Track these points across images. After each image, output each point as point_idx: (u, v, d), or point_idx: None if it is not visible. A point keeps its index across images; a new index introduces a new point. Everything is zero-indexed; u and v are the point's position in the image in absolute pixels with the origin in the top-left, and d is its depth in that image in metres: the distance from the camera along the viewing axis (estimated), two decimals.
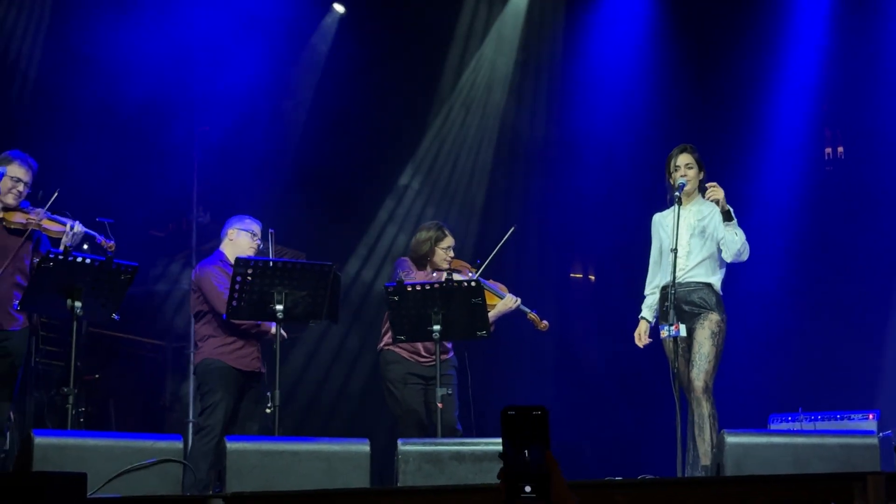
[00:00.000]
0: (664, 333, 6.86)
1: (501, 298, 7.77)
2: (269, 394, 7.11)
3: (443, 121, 10.61)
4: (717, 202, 6.93)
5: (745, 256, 7.05)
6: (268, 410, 7.06)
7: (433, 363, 7.35)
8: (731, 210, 6.94)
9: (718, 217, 7.08)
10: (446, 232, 7.87)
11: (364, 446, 6.16)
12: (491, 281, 7.88)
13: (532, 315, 7.88)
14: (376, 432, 8.94)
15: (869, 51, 10.09)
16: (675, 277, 6.92)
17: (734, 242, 6.95)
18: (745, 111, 10.36)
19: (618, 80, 10.59)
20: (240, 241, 7.65)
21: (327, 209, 10.18)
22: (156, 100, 9.56)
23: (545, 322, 7.92)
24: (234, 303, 7.02)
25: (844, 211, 10.21)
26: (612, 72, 10.61)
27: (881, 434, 8.38)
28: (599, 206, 10.30)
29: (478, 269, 7.77)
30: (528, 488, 2.55)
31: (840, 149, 10.57)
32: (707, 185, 6.99)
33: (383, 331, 7.77)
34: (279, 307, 6.97)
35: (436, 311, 7.07)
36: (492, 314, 7.66)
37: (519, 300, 7.80)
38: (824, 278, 10.20)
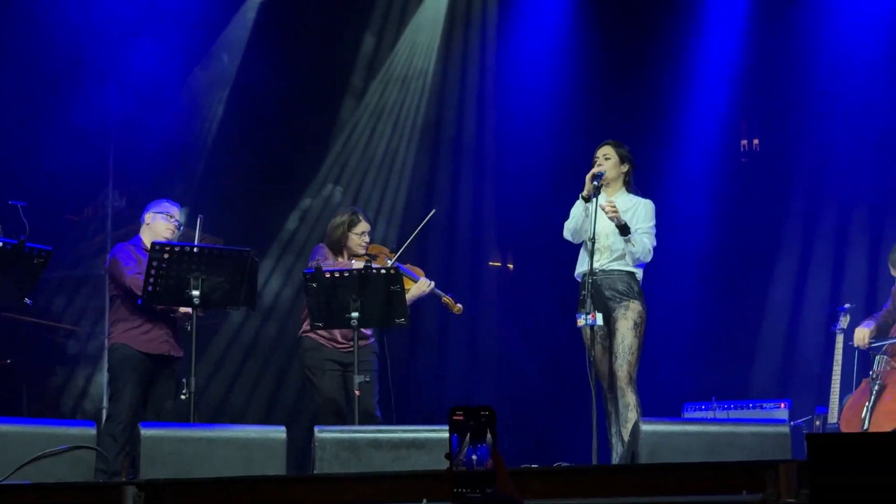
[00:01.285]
0: (581, 322, 6.90)
1: (416, 282, 7.76)
2: (184, 380, 7.05)
3: (363, 108, 10.56)
4: (613, 220, 6.97)
5: (646, 259, 7.14)
6: (183, 397, 7.00)
7: (351, 349, 7.30)
8: (627, 224, 7.00)
9: (642, 210, 7.17)
10: (360, 217, 7.82)
11: (280, 433, 6.13)
12: (408, 265, 7.86)
13: (446, 298, 7.88)
14: (299, 420, 8.92)
15: (785, 43, 10.21)
16: (592, 267, 6.96)
17: (633, 253, 7.06)
18: (664, 102, 10.44)
19: (537, 70, 10.61)
20: (156, 224, 7.57)
21: (247, 197, 10.09)
22: (71, 82, 9.43)
23: (459, 305, 7.93)
24: (150, 288, 6.95)
25: (759, 202, 10.33)
26: (532, 62, 10.63)
27: (793, 423, 8.52)
28: (520, 195, 10.33)
29: (395, 255, 7.75)
30: (473, 489, 2.56)
31: (756, 141, 10.68)
32: (603, 204, 7.01)
33: (302, 317, 7.73)
34: (196, 293, 6.92)
35: (354, 298, 7.05)
36: (406, 298, 7.64)
37: (433, 283, 7.80)
38: (739, 269, 10.31)
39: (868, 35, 9.92)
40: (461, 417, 2.61)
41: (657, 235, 7.27)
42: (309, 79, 10.27)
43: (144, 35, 9.72)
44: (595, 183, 7.07)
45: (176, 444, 5.91)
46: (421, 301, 7.94)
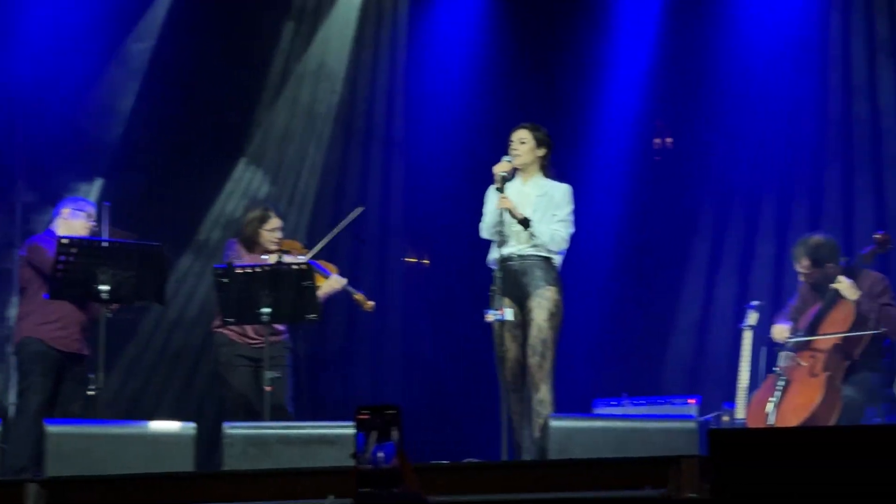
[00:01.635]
0: (490, 317, 6.87)
1: (328, 279, 7.74)
2: (92, 376, 6.98)
3: (280, 102, 10.49)
4: (510, 213, 6.95)
5: (560, 248, 7.09)
6: (91, 393, 6.93)
7: (263, 345, 7.29)
8: (527, 218, 6.97)
9: (558, 196, 7.14)
10: (272, 213, 7.78)
11: (190, 430, 6.10)
12: (321, 262, 7.84)
13: (358, 295, 7.86)
14: (212, 416, 8.84)
15: (698, 42, 10.32)
16: (501, 258, 6.94)
17: (543, 244, 6.99)
18: (578, 99, 10.49)
19: (452, 65, 10.62)
20: (74, 222, 7.50)
21: (160, 192, 9.97)
22: None
23: (371, 302, 7.90)
24: (58, 283, 6.88)
25: (672, 200, 10.42)
26: (447, 57, 10.63)
27: (701, 418, 8.63)
28: (434, 190, 10.33)
29: (309, 251, 7.72)
30: (379, 487, 2.57)
31: (669, 139, 10.78)
32: (497, 203, 6.99)
33: (215, 313, 7.68)
34: (104, 288, 6.86)
35: (265, 294, 7.03)
36: (319, 295, 7.59)
37: (345, 280, 7.77)
38: (651, 265, 10.40)
39: (776, 34, 10.06)
40: (367, 416, 2.62)
41: (574, 218, 7.23)
42: (225, 72, 10.18)
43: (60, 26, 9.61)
44: (503, 174, 7.04)
45: (82, 441, 5.85)
46: (334, 297, 7.91)
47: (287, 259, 7.28)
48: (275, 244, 7.70)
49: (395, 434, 2.64)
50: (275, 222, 7.75)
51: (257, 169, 10.24)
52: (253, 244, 7.71)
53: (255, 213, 7.77)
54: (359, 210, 7.88)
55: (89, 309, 7.37)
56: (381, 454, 2.61)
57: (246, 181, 10.19)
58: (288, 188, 10.18)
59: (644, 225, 10.44)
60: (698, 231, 10.27)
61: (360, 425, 2.63)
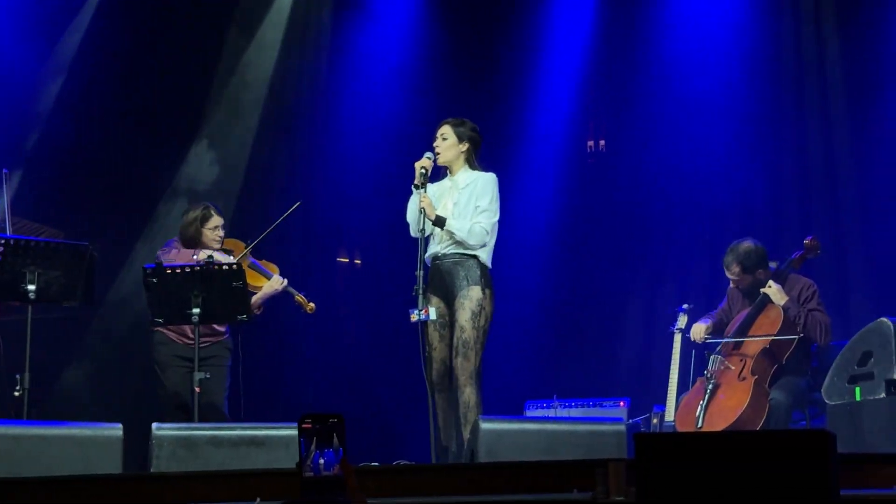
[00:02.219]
0: (414, 317, 6.86)
1: (269, 279, 7.71)
2: (18, 376, 6.89)
3: (214, 103, 10.42)
4: (423, 211, 6.95)
5: (482, 241, 7.03)
6: (16, 394, 6.85)
7: (202, 344, 7.26)
8: (440, 216, 6.95)
9: (480, 186, 7.11)
10: (212, 212, 7.73)
11: (117, 431, 6.03)
12: (262, 262, 7.81)
13: (300, 297, 7.84)
14: (148, 417, 8.75)
15: (633, 44, 10.39)
16: (423, 259, 6.94)
17: (463, 240, 6.97)
18: (511, 100, 10.52)
19: (387, 66, 10.60)
20: None
21: (95, 194, 9.86)
22: None
23: (312, 304, 7.88)
24: None
25: (603, 203, 10.48)
26: (379, 58, 10.61)
27: (631, 421, 8.69)
28: (366, 190, 10.30)
29: (249, 247, 7.70)
30: (322, 493, 2.59)
31: (602, 142, 10.84)
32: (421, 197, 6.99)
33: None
34: (31, 287, 6.78)
35: (195, 294, 6.98)
36: (258, 296, 7.63)
37: (286, 281, 7.74)
38: (583, 267, 10.45)
39: (710, 37, 10.16)
40: (309, 425, 2.65)
41: (506, 220, 7.25)
42: (166, 71, 10.10)
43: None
44: (423, 171, 7.03)
45: (6, 442, 5.77)
46: (276, 299, 7.88)
47: (218, 258, 7.25)
48: (217, 243, 7.67)
49: (337, 442, 2.66)
50: (216, 220, 7.71)
51: (199, 166, 10.15)
52: (195, 244, 7.67)
53: (196, 213, 7.72)
54: (297, 205, 7.83)
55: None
56: (322, 461, 2.63)
57: (186, 180, 10.10)
58: (221, 187, 10.11)
59: (577, 226, 10.49)
60: (631, 233, 10.33)
61: (304, 433, 2.65)
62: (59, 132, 9.68)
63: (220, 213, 7.78)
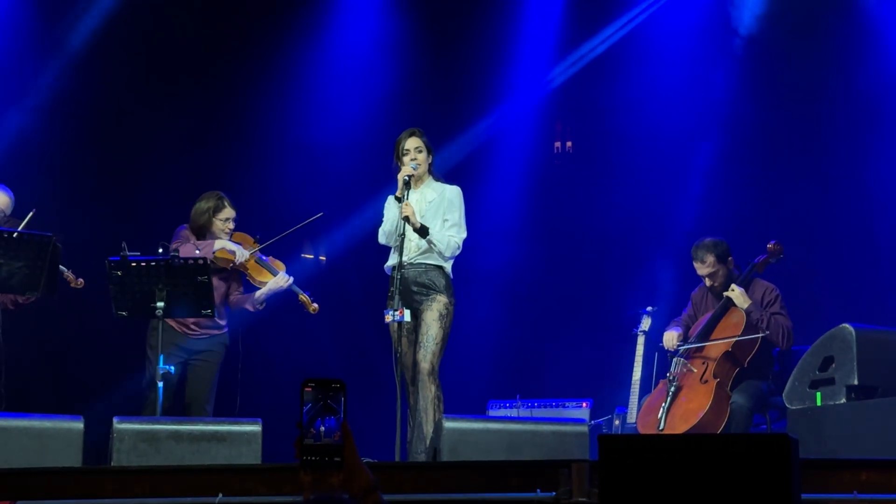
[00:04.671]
0: (388, 318, 6.90)
1: (275, 276, 7.74)
2: None
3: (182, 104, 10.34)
4: (406, 219, 6.99)
5: (455, 253, 7.15)
6: None
7: (201, 336, 7.47)
8: (424, 225, 7.00)
9: (450, 195, 7.18)
10: (226, 203, 7.78)
11: (78, 423, 6.02)
12: (269, 258, 7.83)
13: (303, 296, 7.85)
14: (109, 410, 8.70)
15: (600, 47, 10.41)
16: (401, 262, 6.98)
17: (440, 252, 7.06)
18: (478, 102, 10.53)
19: (354, 69, 10.56)
20: None
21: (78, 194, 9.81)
22: None
23: (316, 305, 7.88)
24: None
25: (569, 204, 10.50)
26: (348, 57, 10.58)
27: (593, 422, 8.72)
28: (332, 187, 10.28)
29: (260, 244, 7.74)
30: (322, 457, 2.61)
31: (569, 143, 10.86)
32: (402, 205, 7.03)
33: None
34: None
35: (160, 288, 6.97)
36: (262, 291, 7.70)
37: (291, 279, 7.77)
38: (546, 267, 10.47)
39: (678, 37, 10.20)
40: (311, 388, 2.68)
41: (471, 221, 7.30)
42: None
43: None
44: (406, 179, 7.07)
45: None
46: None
47: (229, 247, 7.45)
48: (227, 234, 7.74)
49: (339, 408, 2.70)
50: (228, 212, 7.75)
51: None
52: (204, 234, 7.71)
53: (209, 203, 7.76)
54: (319, 214, 7.87)
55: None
56: (323, 427, 2.67)
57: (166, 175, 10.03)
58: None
59: (541, 228, 10.50)
60: (596, 235, 10.35)
61: (306, 398, 2.68)
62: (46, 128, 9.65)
63: (232, 205, 7.80)
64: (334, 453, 2.66)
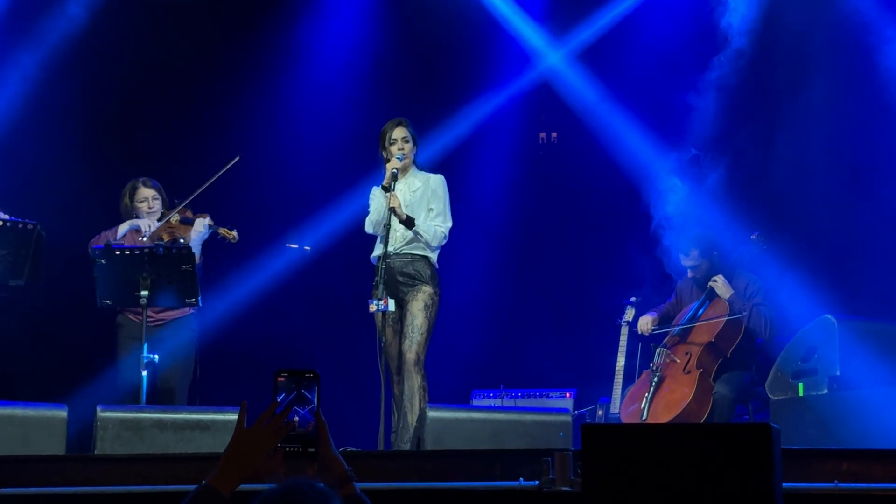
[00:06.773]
0: (373, 307, 6.91)
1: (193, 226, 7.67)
2: None
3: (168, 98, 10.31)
4: (393, 210, 7.00)
5: (441, 243, 7.19)
6: None
7: (158, 324, 7.44)
8: (410, 217, 7.04)
9: (435, 184, 7.22)
10: (139, 184, 7.75)
11: (61, 412, 6.01)
12: (196, 216, 7.65)
13: (223, 230, 7.70)
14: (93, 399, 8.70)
15: (586, 39, 10.41)
16: (386, 252, 7.00)
17: (427, 242, 7.12)
18: (462, 93, 10.51)
19: (337, 60, 10.54)
20: None
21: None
22: None
23: (234, 233, 7.69)
24: None
25: (554, 195, 10.51)
26: (331, 47, 10.55)
27: (577, 411, 8.74)
28: (315, 180, 10.27)
29: (179, 206, 7.63)
30: (296, 447, 2.62)
31: (554, 134, 10.86)
32: (389, 195, 7.04)
33: None
34: None
35: (144, 277, 6.96)
36: (191, 244, 7.47)
37: (207, 217, 7.66)
38: (530, 258, 10.48)
39: (661, 32, 10.21)
40: (285, 378, 2.68)
41: (456, 212, 7.32)
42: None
43: None
44: (394, 172, 7.09)
45: None
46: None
47: (142, 226, 7.45)
48: (152, 214, 7.69)
49: (312, 397, 2.70)
50: (143, 192, 7.73)
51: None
52: (130, 217, 7.71)
53: (125, 189, 7.79)
54: (236, 158, 7.75)
55: None
56: (297, 417, 2.67)
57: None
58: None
59: (526, 218, 10.50)
60: (580, 225, 10.36)
61: (278, 387, 2.69)
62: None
63: (149, 185, 7.76)
64: (309, 444, 2.65)
